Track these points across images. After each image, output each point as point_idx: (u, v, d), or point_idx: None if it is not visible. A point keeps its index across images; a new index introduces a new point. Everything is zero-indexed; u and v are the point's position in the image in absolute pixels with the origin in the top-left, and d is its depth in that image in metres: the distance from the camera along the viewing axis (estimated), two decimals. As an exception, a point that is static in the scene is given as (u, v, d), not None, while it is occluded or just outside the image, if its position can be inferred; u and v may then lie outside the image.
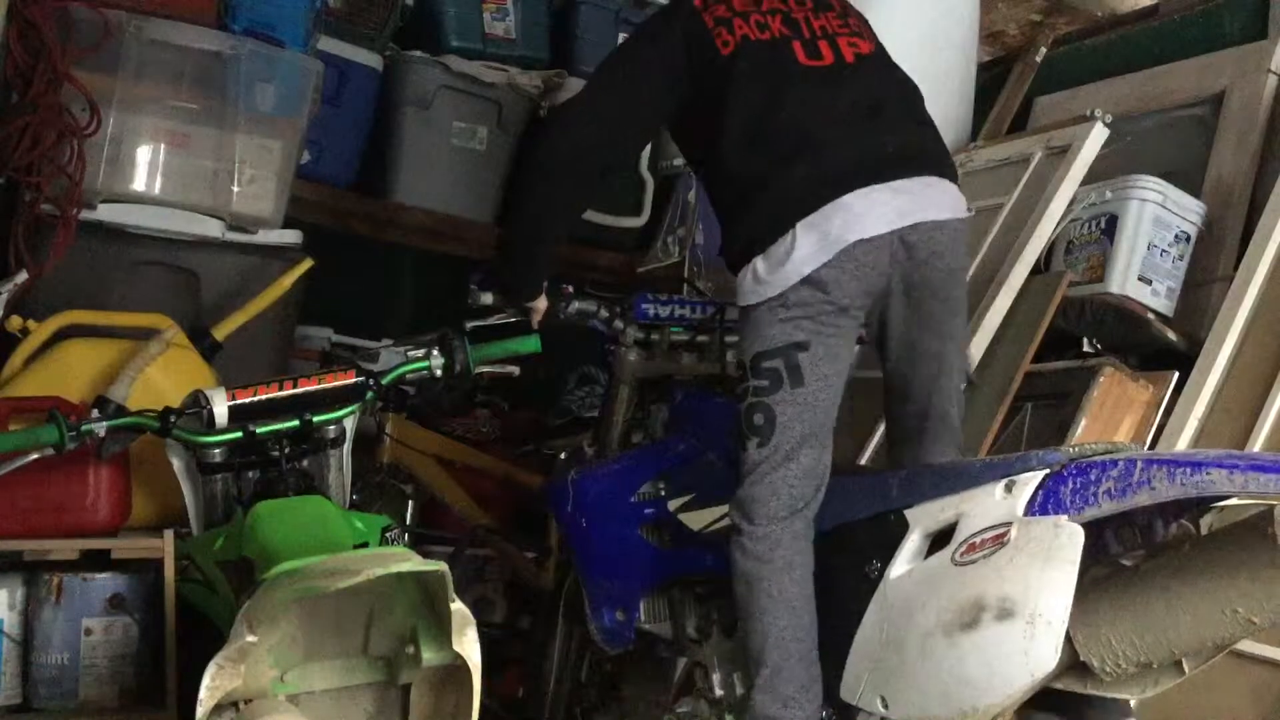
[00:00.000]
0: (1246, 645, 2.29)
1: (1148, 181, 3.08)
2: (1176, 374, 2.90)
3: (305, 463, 2.20)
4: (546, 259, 2.50)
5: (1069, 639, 1.74)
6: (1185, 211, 3.11)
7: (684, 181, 4.17)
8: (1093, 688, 1.82)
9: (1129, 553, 1.82)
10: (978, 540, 1.84)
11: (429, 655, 1.75)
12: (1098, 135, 3.19)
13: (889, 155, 2.22)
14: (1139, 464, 1.69)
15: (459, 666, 1.72)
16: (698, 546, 2.40)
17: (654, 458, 2.54)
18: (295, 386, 2.19)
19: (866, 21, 2.46)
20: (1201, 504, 1.74)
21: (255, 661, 1.72)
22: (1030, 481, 1.83)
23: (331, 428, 2.21)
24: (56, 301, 2.85)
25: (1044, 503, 1.80)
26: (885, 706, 1.94)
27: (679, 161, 4.02)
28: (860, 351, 2.36)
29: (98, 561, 2.45)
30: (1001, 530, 1.81)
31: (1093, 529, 1.76)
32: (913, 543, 1.97)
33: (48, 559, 2.42)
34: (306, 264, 3.19)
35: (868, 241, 2.15)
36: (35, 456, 2.14)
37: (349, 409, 2.23)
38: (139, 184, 3.15)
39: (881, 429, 3.08)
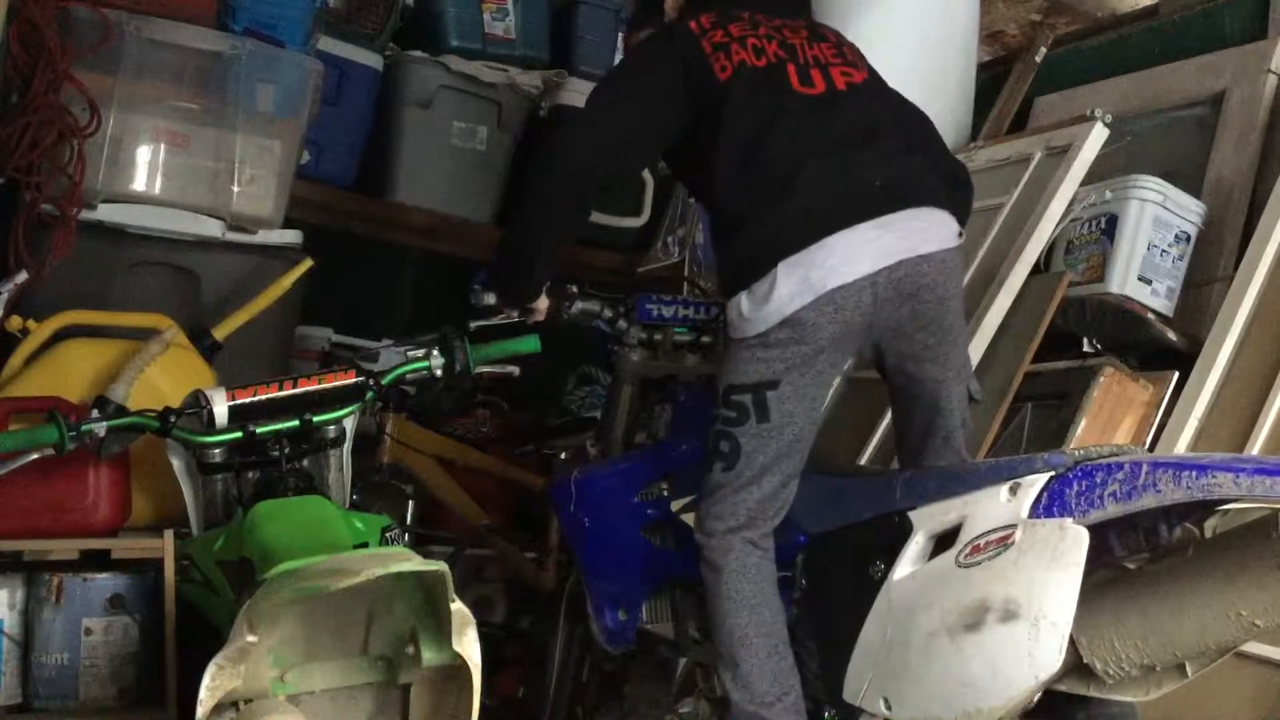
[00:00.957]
0: (1247, 645, 2.28)
1: (1148, 181, 3.08)
2: (1176, 374, 2.90)
3: (305, 463, 2.20)
4: (546, 265, 2.50)
5: (1073, 641, 1.74)
6: (1185, 211, 3.11)
7: (684, 182, 4.17)
8: (1096, 690, 1.82)
9: (1133, 556, 1.82)
10: (982, 542, 1.84)
11: (429, 655, 1.76)
12: (1098, 135, 3.18)
13: (875, 190, 2.21)
14: (1144, 467, 1.69)
15: (459, 666, 1.72)
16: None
17: (657, 458, 2.54)
18: (295, 386, 2.18)
19: (861, 54, 2.46)
20: (1206, 507, 1.74)
21: (255, 661, 1.71)
22: (1035, 484, 1.82)
23: (331, 428, 2.21)
24: (56, 301, 2.84)
25: (1049, 505, 1.79)
26: (888, 707, 1.94)
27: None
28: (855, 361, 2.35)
29: (98, 561, 2.44)
30: (1006, 532, 1.81)
31: (1097, 532, 1.75)
32: (917, 544, 1.97)
33: (48, 559, 2.41)
34: (306, 264, 3.19)
35: (849, 285, 2.15)
36: (35, 456, 2.13)
37: (349, 409, 2.22)
38: (139, 184, 3.14)
39: (882, 429, 3.10)
